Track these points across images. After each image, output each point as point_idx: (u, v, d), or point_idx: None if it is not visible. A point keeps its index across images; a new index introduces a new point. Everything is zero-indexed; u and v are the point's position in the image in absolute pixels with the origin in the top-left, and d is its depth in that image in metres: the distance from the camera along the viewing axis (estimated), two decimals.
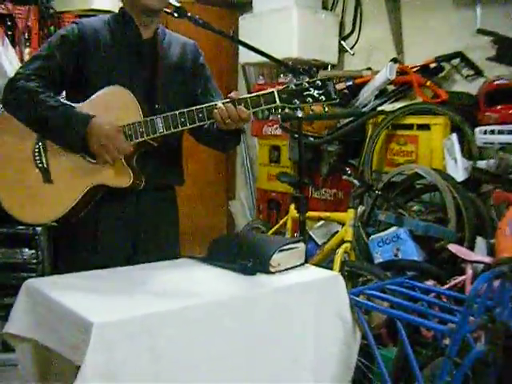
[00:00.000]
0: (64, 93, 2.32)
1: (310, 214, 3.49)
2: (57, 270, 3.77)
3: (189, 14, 2.20)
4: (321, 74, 4.62)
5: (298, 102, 2.02)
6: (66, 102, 2.16)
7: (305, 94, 2.02)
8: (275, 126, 4.92)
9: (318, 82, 2.02)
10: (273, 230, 4.26)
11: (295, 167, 4.71)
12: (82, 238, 2.24)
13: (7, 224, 3.66)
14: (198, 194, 5.44)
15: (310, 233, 3.98)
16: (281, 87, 2.03)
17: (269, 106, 2.03)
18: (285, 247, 2.03)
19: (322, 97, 2.01)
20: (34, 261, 3.72)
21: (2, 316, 3.56)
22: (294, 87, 2.03)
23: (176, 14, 2.20)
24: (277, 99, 2.02)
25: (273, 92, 2.03)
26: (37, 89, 2.11)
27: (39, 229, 3.72)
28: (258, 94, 2.05)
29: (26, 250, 3.72)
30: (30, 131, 2.16)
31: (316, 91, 2.01)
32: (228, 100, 2.05)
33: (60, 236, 2.39)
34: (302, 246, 2.13)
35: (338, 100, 2.02)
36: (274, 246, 2.00)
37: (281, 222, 4.21)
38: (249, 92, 5.62)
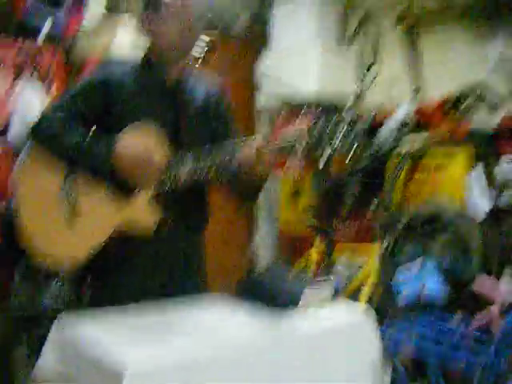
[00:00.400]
0: None
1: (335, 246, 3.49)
2: (83, 306, 3.81)
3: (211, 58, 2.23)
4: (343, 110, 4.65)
5: (324, 141, 2.02)
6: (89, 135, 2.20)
7: (331, 132, 2.01)
8: (297, 163, 4.91)
9: (345, 123, 2.02)
10: (297, 264, 4.25)
11: (319, 200, 4.70)
12: (111, 276, 2.25)
13: (34, 261, 3.68)
14: (219, 233, 5.41)
15: (335, 266, 3.97)
16: (307, 127, 2.03)
17: (296, 148, 2.02)
18: (314, 286, 2.03)
19: (350, 134, 2.01)
20: (59, 297, 3.72)
21: (28, 353, 3.60)
22: (320, 125, 2.02)
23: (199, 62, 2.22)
24: (303, 140, 2.01)
25: (299, 131, 2.03)
26: (62, 123, 2.16)
27: None
28: (284, 136, 2.05)
29: (53, 283, 3.73)
30: (56, 170, 2.19)
31: (344, 129, 2.01)
32: (255, 143, 2.05)
33: (90, 273, 2.38)
34: (331, 284, 2.12)
35: (365, 140, 2.02)
36: (303, 285, 1.99)
37: (306, 255, 4.20)
38: (268, 134, 5.63)
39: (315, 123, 2.03)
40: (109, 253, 2.17)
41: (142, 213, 2.13)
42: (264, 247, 5.72)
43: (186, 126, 2.27)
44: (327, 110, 2.10)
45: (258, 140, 2.07)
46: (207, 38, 2.24)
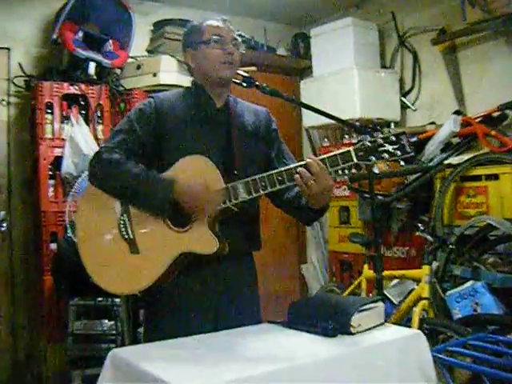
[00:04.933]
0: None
1: (385, 273, 3.46)
2: (137, 339, 3.85)
3: (257, 83, 2.26)
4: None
5: (374, 159, 2.02)
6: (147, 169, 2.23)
7: (380, 149, 2.01)
8: (343, 187, 4.95)
9: (392, 137, 2.01)
10: (347, 291, 4.23)
11: (366, 227, 4.70)
12: (167, 304, 2.27)
13: (87, 296, 3.74)
14: (270, 259, 5.46)
15: (385, 292, 3.93)
16: (357, 145, 2.04)
17: (346, 165, 2.04)
18: (364, 307, 2.03)
19: (397, 151, 2.00)
20: (114, 332, 3.77)
21: None
22: (369, 144, 2.02)
23: (245, 84, 2.26)
24: (354, 157, 2.02)
25: (349, 150, 2.03)
26: (119, 160, 2.21)
27: (118, 300, 3.78)
28: (335, 153, 2.06)
29: (106, 321, 3.78)
30: (114, 204, 2.24)
31: (391, 146, 2.01)
32: (306, 162, 2.07)
33: (145, 304, 2.41)
34: (380, 305, 2.11)
35: (412, 154, 2.01)
36: (354, 307, 1.99)
37: (355, 282, 4.18)
38: (315, 155, 5.68)
39: (362, 144, 2.03)
40: (168, 280, 2.19)
41: (201, 240, 2.14)
42: (314, 272, 5.73)
43: (238, 150, 2.31)
44: (369, 132, 2.08)
45: (309, 156, 2.09)
46: (245, 73, 2.28)
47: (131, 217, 2.23)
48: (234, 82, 2.28)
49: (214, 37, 2.29)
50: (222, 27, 2.34)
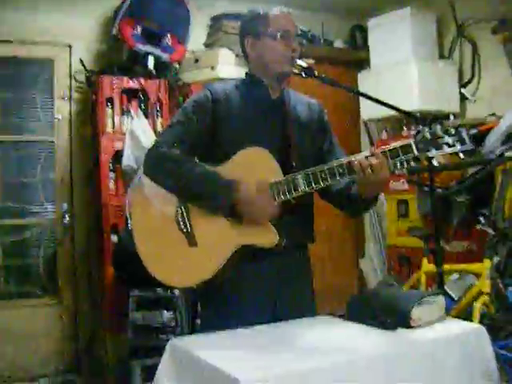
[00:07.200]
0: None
1: (445, 267, 3.42)
2: (196, 329, 3.89)
3: (316, 73, 2.24)
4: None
5: (434, 151, 2.00)
6: (208, 167, 2.21)
7: (440, 142, 1.99)
8: (402, 181, 4.89)
9: (452, 130, 1.99)
10: (406, 285, 4.19)
11: (425, 221, 4.63)
12: (226, 297, 2.26)
13: (147, 288, 3.81)
14: (327, 253, 5.43)
15: (445, 287, 3.88)
16: (417, 137, 2.01)
17: (407, 157, 2.02)
18: (424, 301, 2.01)
19: (457, 144, 1.99)
20: (173, 323, 3.83)
21: (143, 378, 3.72)
22: (429, 136, 2.00)
23: (304, 74, 2.25)
24: (414, 150, 2.00)
25: (410, 143, 2.01)
26: (179, 156, 2.20)
27: (177, 291, 3.84)
28: (395, 145, 2.04)
29: (165, 312, 3.84)
30: (171, 196, 2.23)
31: (450, 138, 1.99)
32: (367, 154, 2.05)
33: (204, 296, 2.41)
34: (441, 298, 2.09)
35: (472, 146, 1.98)
36: (413, 300, 1.97)
37: (414, 277, 4.13)
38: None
39: (422, 136, 2.01)
40: (226, 273, 2.18)
41: (261, 232, 2.15)
42: (372, 266, 5.69)
43: (294, 141, 2.30)
44: (432, 123, 2.06)
45: (369, 149, 2.08)
46: (304, 64, 2.27)
47: (189, 209, 2.22)
48: (293, 73, 2.26)
49: (280, 32, 2.26)
50: (289, 21, 2.30)
